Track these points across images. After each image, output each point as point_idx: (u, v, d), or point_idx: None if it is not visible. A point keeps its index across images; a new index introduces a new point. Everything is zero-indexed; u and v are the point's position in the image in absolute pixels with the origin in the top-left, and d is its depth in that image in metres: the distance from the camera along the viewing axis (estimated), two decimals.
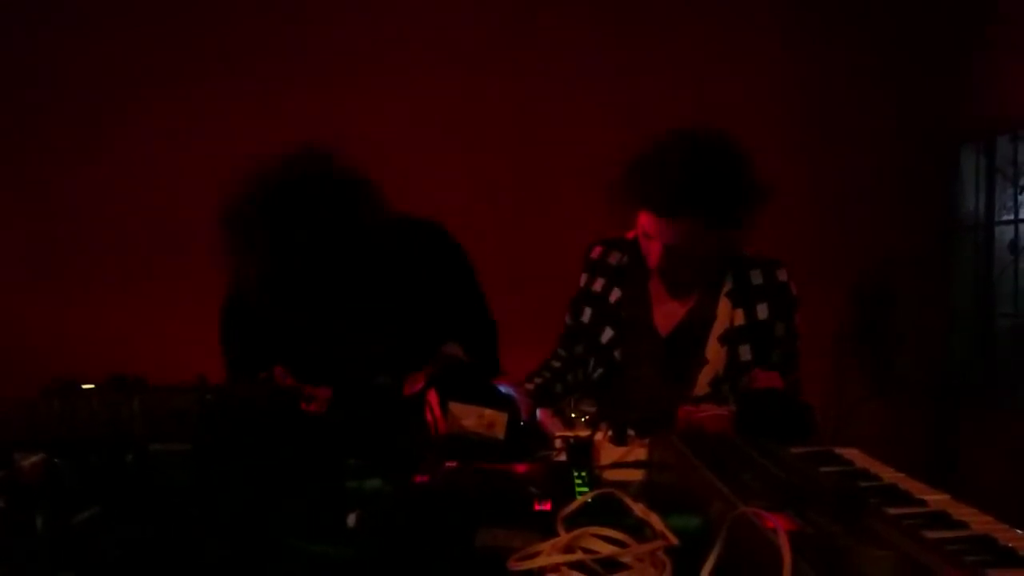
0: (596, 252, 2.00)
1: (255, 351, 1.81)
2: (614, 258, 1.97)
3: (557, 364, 2.03)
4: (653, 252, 1.77)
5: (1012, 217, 3.51)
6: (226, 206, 1.60)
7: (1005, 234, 3.56)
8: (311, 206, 1.58)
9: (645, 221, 1.76)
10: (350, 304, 1.66)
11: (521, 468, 1.35)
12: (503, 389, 1.65)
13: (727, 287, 1.84)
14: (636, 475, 1.38)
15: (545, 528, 1.07)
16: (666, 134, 1.77)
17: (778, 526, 0.82)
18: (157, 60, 3.71)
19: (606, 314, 1.92)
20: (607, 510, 1.13)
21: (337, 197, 1.61)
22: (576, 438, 1.43)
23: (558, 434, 1.52)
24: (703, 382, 1.79)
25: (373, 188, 1.67)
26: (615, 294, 1.93)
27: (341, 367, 1.75)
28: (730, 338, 1.81)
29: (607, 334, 1.90)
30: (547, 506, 1.15)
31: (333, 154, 1.67)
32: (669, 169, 1.69)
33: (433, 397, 1.59)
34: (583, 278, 2.00)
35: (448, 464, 1.35)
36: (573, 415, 1.58)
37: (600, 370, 1.89)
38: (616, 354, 1.88)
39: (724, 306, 1.83)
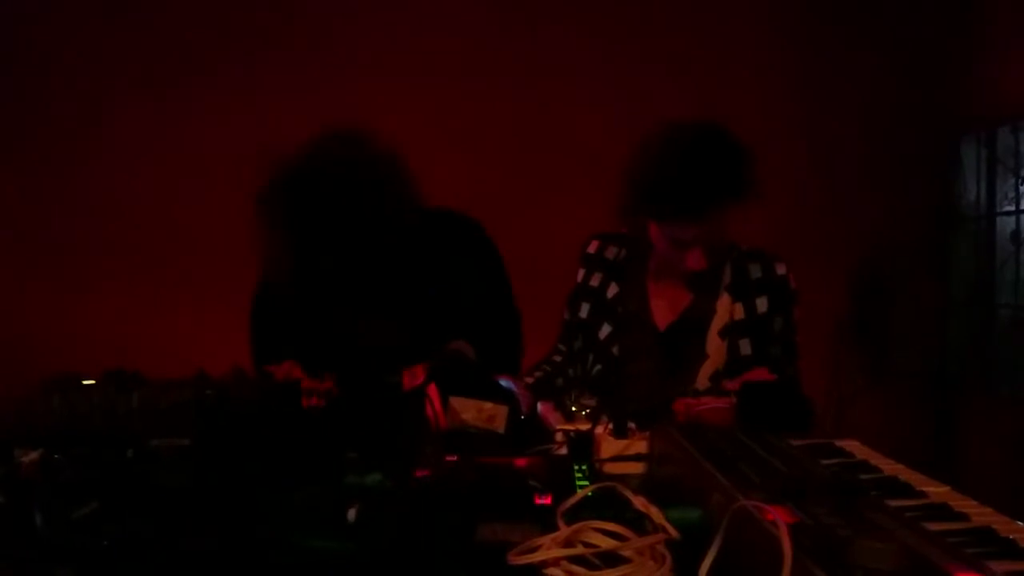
0: (593, 247, 1.99)
1: (282, 339, 1.81)
2: (611, 253, 1.96)
3: (557, 358, 2.02)
4: (694, 256, 1.74)
5: (1013, 208, 3.51)
6: (259, 187, 1.59)
7: (1006, 225, 3.55)
8: (344, 189, 1.58)
9: (670, 230, 1.73)
10: (378, 291, 1.66)
11: (521, 462, 1.34)
12: (503, 383, 1.65)
13: (726, 281, 1.84)
14: (636, 468, 1.38)
15: (545, 522, 1.07)
16: (650, 137, 1.74)
17: (778, 519, 0.82)
18: (154, 58, 3.71)
19: (603, 309, 1.92)
20: (607, 504, 1.13)
21: (371, 181, 1.61)
22: (576, 431, 1.43)
23: (558, 427, 1.52)
24: (703, 377, 1.79)
25: (408, 174, 1.67)
26: (612, 289, 1.92)
27: (361, 356, 1.75)
28: (730, 332, 1.81)
29: (604, 330, 1.89)
30: (547, 500, 1.15)
31: (370, 137, 1.66)
32: (670, 177, 1.66)
33: (433, 391, 1.59)
34: (580, 273, 1.98)
35: (448, 458, 1.35)
36: (573, 408, 1.57)
37: (598, 366, 1.89)
38: (614, 350, 1.87)
39: (724, 300, 1.82)
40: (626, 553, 0.97)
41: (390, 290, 1.69)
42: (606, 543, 0.98)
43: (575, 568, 0.95)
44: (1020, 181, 3.46)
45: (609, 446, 1.42)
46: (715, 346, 1.80)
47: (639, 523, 1.05)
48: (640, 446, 1.41)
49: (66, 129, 3.72)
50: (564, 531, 1.00)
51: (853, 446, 1.30)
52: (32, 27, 3.72)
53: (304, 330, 1.76)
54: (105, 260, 3.69)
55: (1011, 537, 0.92)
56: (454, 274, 1.86)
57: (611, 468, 1.37)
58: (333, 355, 1.70)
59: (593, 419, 1.48)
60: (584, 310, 1.95)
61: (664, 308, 1.86)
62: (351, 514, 1.11)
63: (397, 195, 1.63)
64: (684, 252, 1.74)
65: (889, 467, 1.19)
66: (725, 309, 1.82)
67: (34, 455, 1.17)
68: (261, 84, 3.67)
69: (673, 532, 1.02)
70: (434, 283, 1.81)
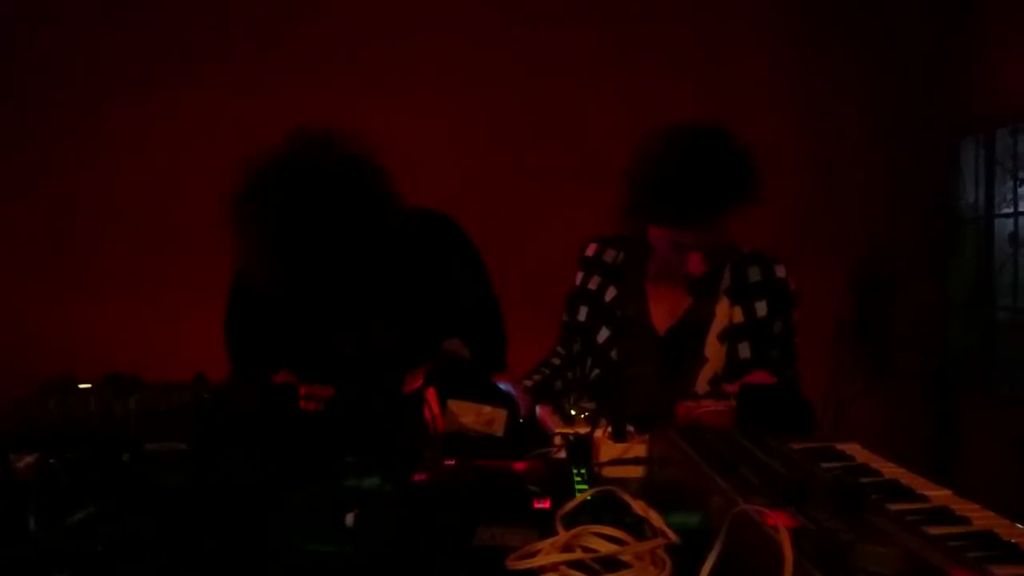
0: (591, 249, 1.98)
1: (259, 343, 1.80)
2: (609, 256, 1.95)
3: (556, 361, 2.01)
4: (694, 260, 1.73)
5: (1012, 210, 3.50)
6: (235, 190, 1.58)
7: (1005, 227, 3.55)
8: (320, 191, 1.57)
9: (670, 235, 1.72)
10: (358, 294, 1.65)
11: (520, 465, 1.34)
12: (502, 386, 1.65)
13: (725, 284, 1.83)
14: (636, 472, 1.37)
15: (544, 526, 1.07)
16: (651, 141, 1.73)
17: (779, 523, 0.81)
18: (154, 58, 3.70)
19: (602, 313, 1.91)
20: (606, 508, 1.12)
21: (348, 183, 1.59)
22: (575, 435, 1.42)
23: (557, 431, 1.51)
24: (702, 380, 1.78)
25: (386, 176, 1.66)
26: (611, 292, 1.91)
27: (345, 361, 1.74)
28: (729, 336, 1.80)
29: (603, 334, 1.88)
30: (546, 504, 1.15)
31: (346, 139, 1.65)
32: (671, 181, 1.65)
33: (432, 394, 1.59)
34: (578, 276, 1.97)
35: (447, 462, 1.34)
36: (572, 412, 1.57)
37: (597, 370, 1.88)
38: (612, 354, 1.86)
39: (723, 304, 1.82)
40: (626, 558, 0.96)
41: (374, 293, 1.68)
42: (605, 547, 0.98)
43: (574, 573, 0.95)
44: (1018, 183, 3.46)
45: (608, 450, 1.42)
46: (714, 350, 1.79)
47: (639, 527, 1.05)
48: (639, 450, 1.40)
49: (66, 129, 3.71)
50: (563, 535, 1.00)
51: (854, 449, 1.30)
52: (32, 27, 3.71)
53: (282, 332, 1.74)
54: (105, 260, 3.69)
55: (1013, 541, 0.92)
56: (439, 273, 1.85)
57: (610, 472, 1.36)
58: (319, 361, 1.69)
59: (592, 423, 1.47)
60: (582, 313, 1.94)
61: (663, 312, 1.85)
62: (349, 518, 1.11)
63: (370, 197, 1.62)
64: (684, 256, 1.73)
65: (890, 470, 1.18)
66: (724, 313, 1.81)
67: (29, 459, 1.17)
68: (261, 84, 3.66)
69: (673, 536, 1.01)
70: (419, 283, 1.80)
